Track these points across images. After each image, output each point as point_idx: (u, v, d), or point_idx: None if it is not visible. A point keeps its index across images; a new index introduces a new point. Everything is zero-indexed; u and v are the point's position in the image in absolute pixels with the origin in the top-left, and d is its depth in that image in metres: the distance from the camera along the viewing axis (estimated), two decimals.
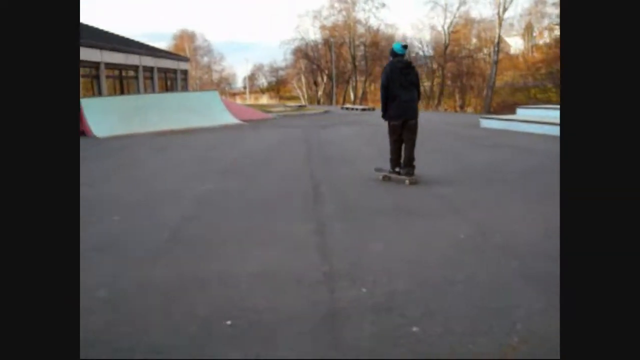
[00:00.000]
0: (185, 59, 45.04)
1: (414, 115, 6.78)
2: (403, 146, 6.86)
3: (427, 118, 14.71)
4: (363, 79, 54.66)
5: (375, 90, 55.81)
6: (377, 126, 16.39)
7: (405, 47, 7.11)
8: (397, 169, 6.95)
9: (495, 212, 5.27)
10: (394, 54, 6.95)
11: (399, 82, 6.70)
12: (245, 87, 73.48)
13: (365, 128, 15.75)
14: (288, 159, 9.59)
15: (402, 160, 6.88)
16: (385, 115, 6.93)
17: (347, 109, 29.69)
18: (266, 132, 15.54)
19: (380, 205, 5.64)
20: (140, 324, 2.97)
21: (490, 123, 14.93)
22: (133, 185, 7.48)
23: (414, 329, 2.80)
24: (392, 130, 6.88)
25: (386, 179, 7.04)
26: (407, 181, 6.77)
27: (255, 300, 3.25)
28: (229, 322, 2.94)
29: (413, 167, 6.83)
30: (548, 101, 33.21)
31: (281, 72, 67.50)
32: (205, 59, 71.32)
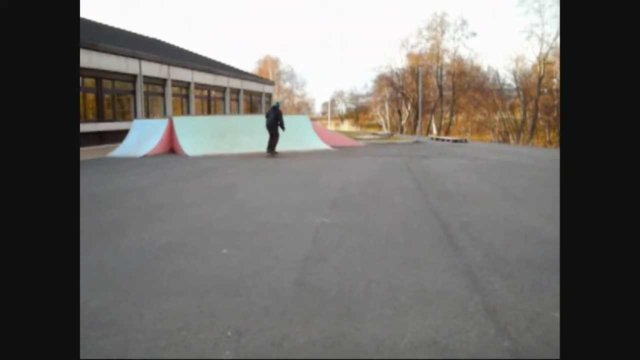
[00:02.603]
0: (270, 83, 45.57)
1: (272, 131, 15.91)
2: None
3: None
4: (447, 108, 53.21)
5: (460, 122, 54.25)
6: (479, 159, 15.39)
7: (277, 103, 16.69)
8: (269, 152, 15.84)
9: None
10: (274, 105, 16.47)
11: (269, 116, 16.11)
12: (324, 113, 73.65)
13: (468, 161, 14.67)
14: (398, 191, 8.74)
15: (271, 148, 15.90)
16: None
17: (437, 139, 28.57)
18: (362, 160, 14.80)
19: (530, 256, 4.69)
20: None
21: None
22: (234, 211, 6.86)
23: None
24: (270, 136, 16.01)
25: (269, 156, 15.71)
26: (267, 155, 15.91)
27: None
28: None
29: (275, 153, 15.95)
30: None
31: (362, 100, 67.18)
32: (288, 84, 72.31)
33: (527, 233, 5.67)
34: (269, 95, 43.28)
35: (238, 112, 35.41)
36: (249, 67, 66.99)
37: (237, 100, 36.38)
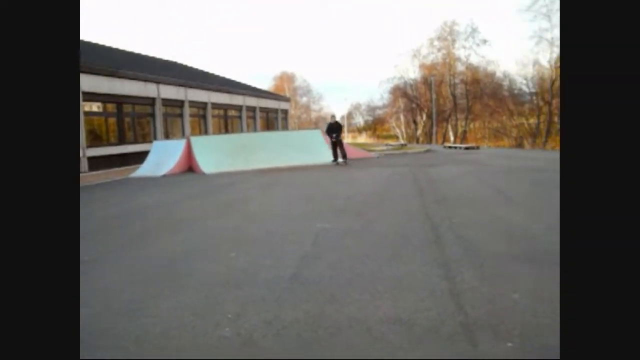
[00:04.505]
0: (286, 99, 46.44)
1: (337, 140, 18.01)
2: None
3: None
4: (463, 117, 53.56)
5: (476, 129, 54.49)
6: (486, 165, 15.84)
7: (334, 118, 18.95)
8: (337, 161, 18.00)
9: None
10: (331, 121, 18.81)
11: (330, 128, 18.47)
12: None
13: (473, 167, 15.19)
14: (400, 198, 9.33)
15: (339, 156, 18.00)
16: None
17: (449, 147, 29.08)
18: (372, 170, 15.40)
19: (513, 251, 5.24)
20: None
21: None
22: (245, 221, 7.53)
23: None
24: (332, 144, 18.34)
25: (334, 164, 17.81)
26: (344, 164, 17.67)
27: (395, 353, 3.03)
28: None
29: (345, 160, 17.79)
30: None
31: (378, 111, 67.82)
32: (304, 99, 73.37)
33: (510, 231, 6.20)
34: (285, 112, 44.13)
35: (255, 129, 36.28)
36: (265, 84, 68.48)
37: (254, 117, 37.27)
